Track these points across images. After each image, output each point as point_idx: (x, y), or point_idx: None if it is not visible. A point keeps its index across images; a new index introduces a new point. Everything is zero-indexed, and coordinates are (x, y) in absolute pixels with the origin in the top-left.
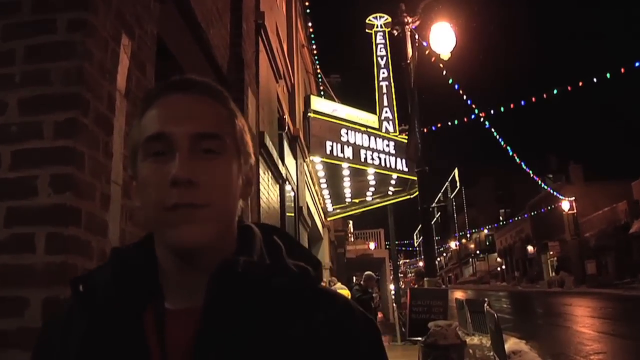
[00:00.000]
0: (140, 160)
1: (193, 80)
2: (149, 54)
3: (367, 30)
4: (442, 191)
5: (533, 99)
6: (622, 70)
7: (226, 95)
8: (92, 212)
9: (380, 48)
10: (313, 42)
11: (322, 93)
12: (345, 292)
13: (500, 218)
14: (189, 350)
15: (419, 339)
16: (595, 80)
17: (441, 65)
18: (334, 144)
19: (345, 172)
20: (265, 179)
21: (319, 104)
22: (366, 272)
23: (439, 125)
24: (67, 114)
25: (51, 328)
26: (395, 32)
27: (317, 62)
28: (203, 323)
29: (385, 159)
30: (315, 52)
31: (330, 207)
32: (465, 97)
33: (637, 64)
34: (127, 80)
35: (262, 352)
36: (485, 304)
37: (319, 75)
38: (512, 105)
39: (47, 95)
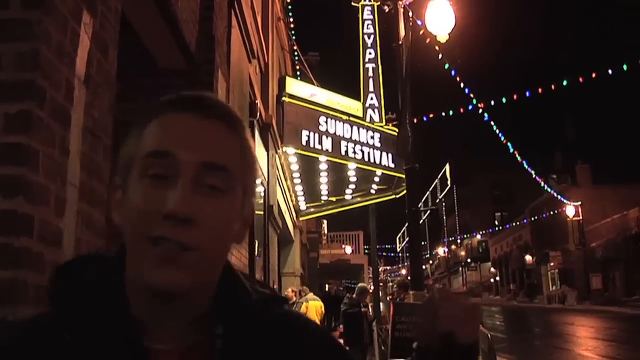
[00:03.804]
0: (136, 178)
1: (210, 100)
2: (112, 34)
3: (352, 4)
4: (430, 189)
5: (539, 90)
6: None
7: (243, 125)
8: (46, 220)
9: (368, 25)
10: (290, 14)
11: (298, 74)
12: (317, 303)
13: (496, 222)
14: None
15: None
16: (610, 72)
17: (437, 48)
18: (311, 133)
19: (323, 166)
20: None
21: (295, 87)
22: (360, 285)
23: (431, 115)
24: (20, 105)
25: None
26: (386, 8)
27: (294, 37)
28: None
29: (369, 153)
30: (292, 25)
31: (303, 206)
32: (462, 85)
33: None
34: (88, 65)
35: None
36: None
37: (296, 53)
38: (515, 97)
39: None
